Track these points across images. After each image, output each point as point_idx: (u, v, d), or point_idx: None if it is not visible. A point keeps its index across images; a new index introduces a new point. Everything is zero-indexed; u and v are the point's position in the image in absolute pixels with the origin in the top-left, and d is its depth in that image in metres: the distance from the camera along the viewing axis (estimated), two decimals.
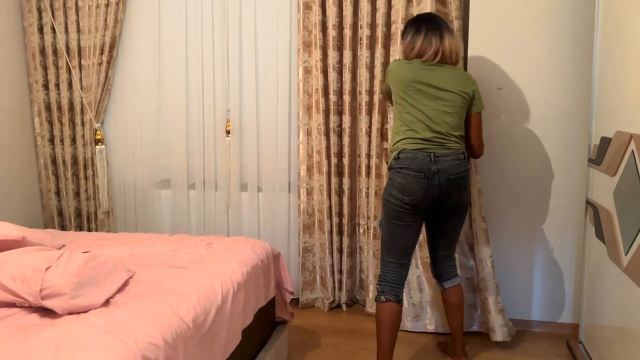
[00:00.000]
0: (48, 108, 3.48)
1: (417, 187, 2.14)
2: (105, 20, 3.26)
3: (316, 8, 2.96)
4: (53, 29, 3.37)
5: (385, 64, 2.91)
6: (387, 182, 2.24)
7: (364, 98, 2.97)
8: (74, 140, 3.49)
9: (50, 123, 3.50)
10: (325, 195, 3.09)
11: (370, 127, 3.00)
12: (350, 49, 2.96)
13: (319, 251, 3.17)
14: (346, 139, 3.04)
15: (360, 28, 2.95)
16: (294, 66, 3.15)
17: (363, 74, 2.95)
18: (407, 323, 2.85)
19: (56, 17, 3.35)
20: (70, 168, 3.48)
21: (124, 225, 3.53)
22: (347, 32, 2.94)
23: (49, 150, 3.51)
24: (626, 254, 1.94)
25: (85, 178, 3.49)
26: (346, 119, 3.03)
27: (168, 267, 2.06)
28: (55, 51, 3.40)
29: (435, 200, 2.18)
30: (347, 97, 3.00)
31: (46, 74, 3.44)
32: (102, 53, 3.29)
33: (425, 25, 2.26)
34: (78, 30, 3.34)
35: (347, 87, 2.99)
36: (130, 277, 1.92)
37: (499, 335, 2.65)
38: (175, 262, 2.12)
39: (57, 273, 1.64)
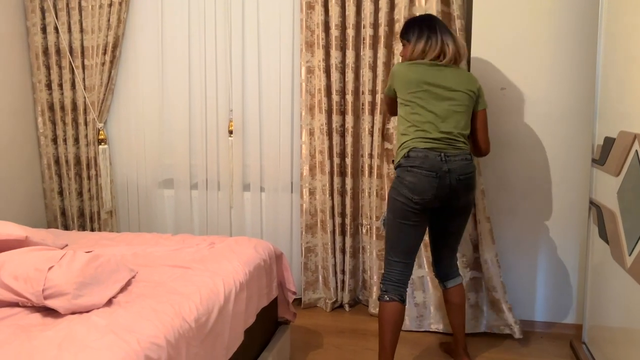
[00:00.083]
0: (51, 108, 3.49)
1: (428, 186, 2.13)
2: (109, 20, 3.27)
3: (319, 8, 2.96)
4: (56, 29, 3.38)
5: (388, 63, 2.91)
6: (395, 181, 2.22)
7: (366, 98, 2.97)
8: (77, 140, 3.50)
9: (54, 123, 3.50)
10: (327, 195, 3.08)
11: (372, 127, 3.00)
12: (353, 48, 2.96)
13: (322, 251, 3.17)
14: (349, 139, 3.04)
15: (363, 28, 2.94)
16: (296, 66, 3.15)
17: (366, 73, 2.95)
18: (410, 323, 2.85)
19: (59, 17, 3.35)
20: (73, 168, 3.49)
21: (127, 225, 3.53)
22: (350, 32, 2.94)
23: (52, 150, 3.51)
24: (630, 254, 1.93)
25: (88, 178, 3.50)
26: (349, 118, 3.02)
27: (171, 267, 2.06)
28: (58, 51, 3.41)
29: (445, 200, 2.18)
30: (349, 97, 3.00)
31: (49, 74, 3.45)
32: (105, 53, 3.30)
33: (427, 26, 2.28)
34: (81, 30, 3.35)
35: (349, 87, 2.99)
36: (133, 277, 1.92)
37: (517, 332, 2.72)
38: (178, 261, 2.12)
39: (60, 273, 1.64)
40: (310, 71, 3.07)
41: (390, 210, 2.23)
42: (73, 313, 1.60)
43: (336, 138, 3.06)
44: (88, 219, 3.53)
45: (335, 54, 2.98)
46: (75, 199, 3.51)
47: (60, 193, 3.56)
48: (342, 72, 3.02)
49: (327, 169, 3.06)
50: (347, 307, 3.16)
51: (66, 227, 3.58)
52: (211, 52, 3.25)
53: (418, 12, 2.77)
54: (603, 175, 2.31)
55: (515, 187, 2.81)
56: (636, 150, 1.90)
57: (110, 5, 3.25)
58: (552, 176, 2.77)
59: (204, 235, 3.36)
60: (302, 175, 3.14)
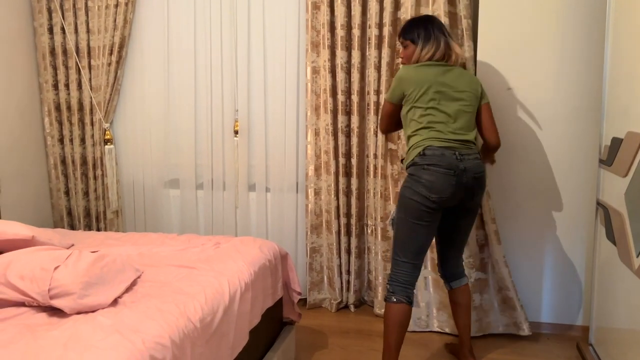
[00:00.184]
0: (58, 108, 3.50)
1: (446, 184, 2.12)
2: (115, 20, 3.28)
3: (325, 8, 2.95)
4: (63, 29, 3.39)
5: (391, 63, 2.90)
6: (409, 180, 2.18)
7: (372, 98, 2.96)
8: (83, 140, 3.51)
9: (60, 123, 3.52)
10: (333, 196, 3.08)
11: (377, 127, 2.99)
12: (358, 48, 2.95)
13: (327, 252, 3.16)
14: (354, 139, 3.04)
15: (369, 28, 2.94)
16: (302, 66, 3.15)
17: (372, 74, 2.94)
18: (412, 323, 2.84)
19: (66, 18, 3.37)
20: (79, 168, 3.50)
21: (133, 225, 3.54)
22: (356, 32, 2.94)
23: (59, 150, 3.53)
24: (637, 255, 1.92)
25: (95, 178, 3.51)
26: (354, 119, 3.02)
27: (176, 267, 2.06)
28: (65, 51, 3.42)
29: (460, 198, 2.18)
30: (355, 97, 2.99)
31: (56, 74, 3.47)
32: (111, 53, 3.31)
33: (433, 27, 2.29)
34: (88, 31, 3.36)
35: (355, 87, 2.98)
36: (139, 277, 1.92)
37: (526, 330, 2.73)
38: (183, 261, 2.13)
39: (66, 273, 1.64)
40: (315, 71, 3.06)
41: (401, 209, 2.20)
42: (79, 313, 1.60)
43: (342, 138, 3.05)
44: (94, 218, 3.54)
45: (340, 54, 2.97)
46: (81, 198, 3.53)
47: (67, 193, 3.58)
48: (348, 72, 3.02)
49: (332, 169, 3.06)
50: (352, 308, 3.16)
51: (72, 227, 3.59)
52: (217, 52, 3.25)
53: (425, 12, 2.76)
54: (610, 176, 2.29)
55: (522, 188, 2.80)
56: None
57: (116, 5, 3.26)
58: (559, 177, 2.76)
59: (209, 235, 3.37)
60: (307, 175, 3.13)
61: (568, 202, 2.76)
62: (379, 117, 2.38)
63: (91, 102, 3.41)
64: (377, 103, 2.97)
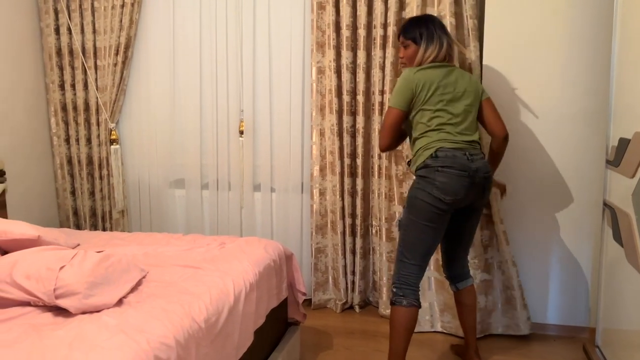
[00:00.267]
0: (64, 108, 3.52)
1: (460, 186, 2.11)
2: (121, 21, 3.29)
3: (330, 8, 2.95)
4: (69, 30, 3.41)
5: (395, 63, 2.89)
6: (420, 182, 2.15)
7: (377, 98, 2.96)
8: (89, 140, 3.52)
9: (66, 123, 3.53)
10: (338, 196, 3.07)
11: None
12: (364, 49, 2.95)
13: (332, 252, 3.16)
14: (359, 140, 3.03)
15: (374, 28, 2.93)
16: (307, 66, 3.15)
17: (377, 74, 2.94)
18: (417, 323, 2.83)
19: (72, 19, 3.38)
20: (85, 168, 3.52)
21: (138, 225, 3.55)
22: (361, 32, 2.93)
23: (65, 150, 3.54)
24: None
25: (100, 178, 3.52)
26: (360, 119, 3.01)
27: (181, 267, 2.07)
28: (71, 52, 3.44)
29: (472, 199, 2.18)
30: (360, 98, 2.99)
31: (62, 75, 3.48)
32: (117, 54, 3.32)
33: (434, 27, 2.27)
34: (94, 31, 3.37)
35: (360, 87, 2.98)
36: (144, 277, 1.92)
37: (524, 329, 2.73)
38: (189, 261, 2.13)
39: (71, 272, 1.65)
40: (321, 71, 3.06)
41: (412, 212, 2.16)
42: (84, 312, 1.60)
43: (347, 139, 3.05)
44: (100, 218, 3.56)
45: (346, 54, 2.97)
46: (87, 198, 3.54)
47: (73, 193, 3.60)
48: (353, 73, 3.01)
49: (337, 169, 3.06)
50: (357, 309, 3.15)
51: (78, 227, 3.61)
52: (222, 52, 3.26)
53: (431, 13, 2.75)
54: (617, 176, 2.28)
55: (528, 189, 2.79)
56: None
57: (122, 6, 3.27)
58: (565, 178, 2.74)
59: (214, 235, 3.37)
60: (312, 175, 3.13)
61: (574, 203, 2.75)
62: (380, 133, 2.24)
63: (97, 103, 3.43)
64: (382, 103, 2.96)
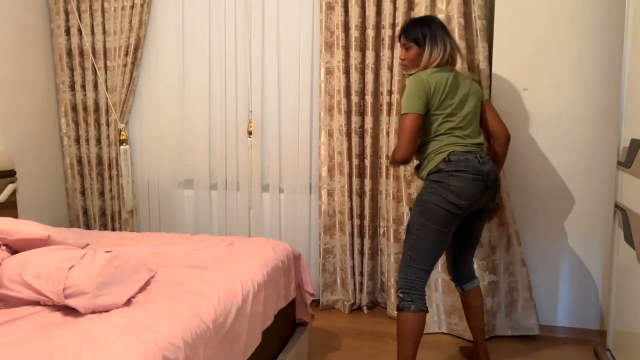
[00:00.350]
0: (74, 109, 3.54)
1: (475, 190, 2.10)
2: (130, 22, 3.30)
3: (339, 8, 2.95)
4: (79, 30, 3.43)
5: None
6: (434, 187, 2.11)
7: (385, 99, 2.95)
8: (99, 141, 3.54)
9: (76, 123, 3.56)
10: (346, 197, 3.07)
11: (389, 127, 2.97)
12: (372, 49, 2.94)
13: (340, 253, 3.15)
14: (368, 140, 3.02)
15: (383, 28, 2.92)
16: (315, 67, 3.15)
17: (385, 74, 2.93)
18: (426, 325, 2.82)
19: (83, 19, 3.40)
20: (95, 168, 3.54)
21: (148, 225, 3.57)
22: (370, 33, 2.93)
23: (75, 150, 3.57)
24: None
25: (110, 178, 3.54)
26: (368, 119, 3.01)
27: (189, 267, 2.07)
28: (81, 53, 3.46)
29: (484, 202, 2.18)
30: (369, 98, 2.98)
31: (73, 75, 3.51)
32: (127, 54, 3.34)
33: (435, 28, 2.23)
34: (104, 32, 3.39)
35: (369, 87, 2.97)
36: (152, 277, 1.93)
37: (533, 330, 2.72)
38: (197, 262, 2.13)
39: (80, 272, 1.66)
40: (329, 72, 3.06)
41: (424, 216, 2.11)
42: (93, 312, 1.61)
43: (355, 139, 3.04)
44: (109, 218, 3.58)
45: (354, 55, 2.96)
46: (97, 198, 3.56)
47: (83, 193, 3.62)
48: (362, 73, 3.00)
49: (345, 170, 3.05)
50: (365, 310, 3.15)
51: (88, 227, 3.63)
52: (231, 53, 3.27)
53: (439, 13, 2.74)
54: (629, 178, 2.25)
55: (538, 190, 2.76)
56: None
57: (132, 7, 3.29)
58: (576, 179, 2.72)
59: (222, 235, 3.38)
60: (320, 176, 3.13)
61: (585, 205, 2.72)
62: (398, 143, 2.15)
63: (107, 103, 3.45)
64: (390, 104, 2.95)
